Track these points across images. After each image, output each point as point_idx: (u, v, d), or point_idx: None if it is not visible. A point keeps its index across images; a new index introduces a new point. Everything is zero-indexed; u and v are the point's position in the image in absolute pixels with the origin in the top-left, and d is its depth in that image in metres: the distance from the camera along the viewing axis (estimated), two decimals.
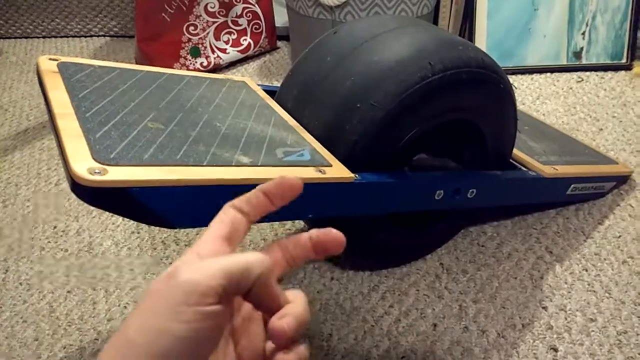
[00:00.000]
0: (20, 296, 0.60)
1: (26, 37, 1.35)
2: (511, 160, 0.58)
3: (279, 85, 0.58)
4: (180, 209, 0.35)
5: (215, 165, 0.36)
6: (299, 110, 0.49)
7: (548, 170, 0.57)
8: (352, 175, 0.42)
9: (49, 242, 0.68)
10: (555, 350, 0.50)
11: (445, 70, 0.45)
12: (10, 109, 1.02)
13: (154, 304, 0.23)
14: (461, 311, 0.54)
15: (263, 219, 0.37)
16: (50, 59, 0.45)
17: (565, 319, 0.52)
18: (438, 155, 0.54)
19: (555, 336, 0.51)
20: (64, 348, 0.54)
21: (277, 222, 0.67)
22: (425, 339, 0.51)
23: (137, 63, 1.07)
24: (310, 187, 0.39)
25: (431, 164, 0.54)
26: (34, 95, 1.07)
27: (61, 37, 1.34)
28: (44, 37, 1.35)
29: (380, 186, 0.44)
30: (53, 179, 0.80)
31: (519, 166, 0.58)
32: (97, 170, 0.31)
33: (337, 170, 0.41)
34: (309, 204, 0.41)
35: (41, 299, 0.60)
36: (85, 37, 1.33)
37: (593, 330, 0.51)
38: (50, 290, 0.61)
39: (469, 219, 0.63)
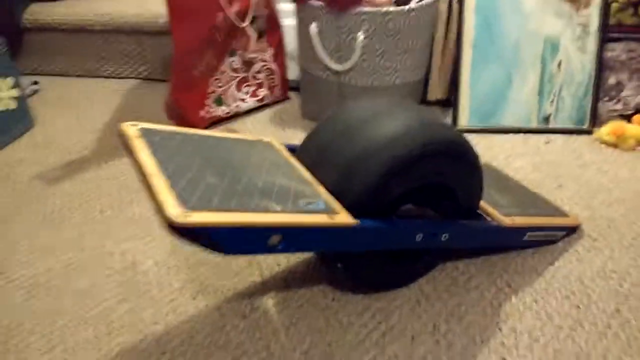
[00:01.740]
0: (79, 304, 0.74)
1: (62, 75, 1.52)
2: (478, 211, 0.74)
3: (296, 142, 0.74)
4: (233, 242, 0.50)
5: (257, 212, 0.51)
6: (314, 168, 0.65)
7: (507, 221, 0.73)
8: (354, 221, 0.57)
9: (98, 261, 0.82)
10: None
11: (425, 146, 0.60)
12: (53, 143, 1.17)
13: None
14: (434, 329, 0.68)
15: (284, 251, 0.52)
16: (132, 125, 0.61)
17: (515, 338, 0.67)
18: (420, 205, 0.70)
19: (506, 351, 0.65)
20: (118, 345, 0.67)
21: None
22: (405, 348, 0.66)
23: (167, 107, 1.23)
24: (323, 229, 0.55)
25: (415, 212, 0.69)
26: (73, 131, 1.22)
27: (95, 77, 1.51)
28: (78, 76, 1.51)
29: (375, 230, 0.60)
30: (98, 207, 0.95)
31: (484, 216, 0.73)
32: (184, 215, 0.46)
33: (343, 217, 0.56)
34: (322, 240, 0.56)
35: (97, 306, 0.73)
36: (117, 78, 1.49)
37: (536, 348, 0.65)
38: (104, 300, 0.74)
39: (444, 257, 0.78)
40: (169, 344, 0.67)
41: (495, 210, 0.74)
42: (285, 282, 0.76)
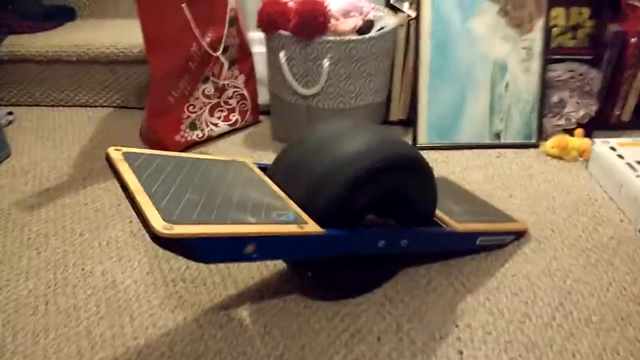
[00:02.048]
0: (61, 322, 0.77)
1: (37, 105, 1.55)
2: (435, 219, 0.81)
3: (267, 162, 0.80)
4: (212, 251, 0.55)
5: (234, 224, 0.57)
6: (285, 184, 0.71)
7: (460, 227, 0.80)
8: (322, 230, 0.63)
9: (80, 281, 0.86)
10: (461, 353, 0.70)
11: (385, 160, 0.68)
12: (31, 170, 1.20)
13: None
14: (398, 328, 0.74)
15: (258, 259, 0.58)
16: (115, 150, 0.66)
17: (470, 333, 0.74)
18: (382, 216, 0.77)
19: (462, 344, 0.72)
20: (102, 359, 0.72)
21: (263, 266, 0.87)
22: (372, 347, 0.71)
23: (142, 133, 1.28)
24: (293, 238, 0.61)
25: (377, 222, 0.76)
26: (50, 158, 1.25)
27: (69, 106, 1.55)
28: (53, 105, 1.55)
29: (341, 237, 0.66)
30: (77, 230, 0.98)
31: (440, 223, 0.81)
32: (167, 228, 0.52)
33: (312, 227, 0.63)
34: (293, 248, 0.62)
35: (79, 324, 0.77)
36: (92, 107, 1.54)
37: (489, 340, 0.72)
38: (86, 318, 0.78)
39: (406, 263, 0.85)
40: (150, 356, 0.71)
41: (450, 218, 0.81)
42: (259, 293, 0.81)
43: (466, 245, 0.83)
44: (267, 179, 0.74)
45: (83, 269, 0.88)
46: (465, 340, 0.72)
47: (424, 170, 0.74)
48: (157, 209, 0.54)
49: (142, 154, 0.68)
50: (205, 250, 0.54)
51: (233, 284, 0.83)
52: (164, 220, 0.53)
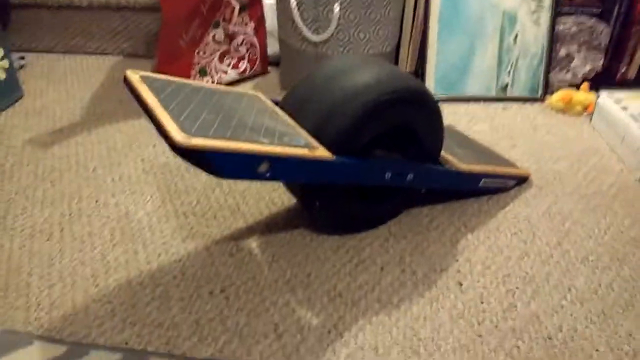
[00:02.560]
0: (76, 247, 0.81)
1: (48, 52, 1.56)
2: (440, 159, 0.83)
3: (279, 98, 0.82)
4: (228, 166, 0.58)
5: (249, 142, 0.60)
6: (297, 114, 0.73)
7: (464, 167, 0.82)
8: (332, 155, 0.66)
9: (93, 211, 0.89)
10: (461, 284, 0.73)
11: (393, 93, 0.69)
12: (43, 112, 1.22)
13: None
14: (400, 261, 0.78)
15: (270, 178, 0.61)
16: (134, 73, 0.68)
17: (470, 267, 0.77)
18: (390, 151, 0.79)
19: (462, 276, 0.75)
20: (115, 281, 0.75)
21: (271, 203, 0.90)
22: (375, 276, 0.75)
23: None
24: (304, 161, 0.63)
25: (384, 155, 0.78)
26: (62, 101, 1.27)
27: (80, 53, 1.56)
28: (64, 52, 1.56)
29: (349, 164, 0.68)
30: (90, 167, 1.01)
31: (445, 163, 0.83)
32: (186, 139, 0.54)
33: (322, 152, 0.65)
34: (303, 171, 0.64)
35: (94, 249, 0.80)
36: (102, 54, 1.54)
37: (487, 274, 0.75)
38: (100, 244, 0.81)
39: (410, 203, 0.88)
40: (162, 279, 0.75)
41: (454, 158, 0.83)
42: (267, 227, 0.84)
43: (469, 186, 0.86)
44: (278, 109, 0.76)
45: (97, 201, 0.91)
46: (464, 272, 0.75)
47: (432, 106, 0.75)
48: (176, 123, 0.56)
49: (159, 78, 0.70)
50: (221, 163, 0.57)
51: (242, 218, 0.86)
52: (183, 132, 0.55)
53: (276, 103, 0.79)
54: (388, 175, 0.73)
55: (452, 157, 0.84)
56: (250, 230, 0.84)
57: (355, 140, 0.69)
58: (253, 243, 0.81)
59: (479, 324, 0.67)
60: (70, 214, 0.88)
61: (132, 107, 1.23)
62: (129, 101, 1.25)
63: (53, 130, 1.14)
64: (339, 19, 1.12)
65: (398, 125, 0.74)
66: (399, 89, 0.70)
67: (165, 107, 0.59)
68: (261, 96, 0.81)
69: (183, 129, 0.55)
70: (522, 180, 0.94)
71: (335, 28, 1.13)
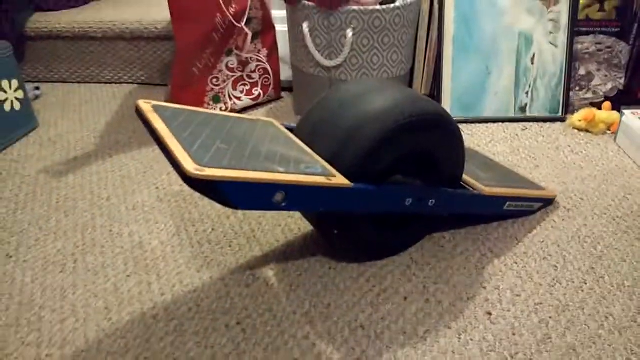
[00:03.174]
0: (89, 279, 0.79)
1: (64, 82, 1.57)
2: (462, 183, 0.80)
3: (294, 124, 0.80)
4: (242, 196, 0.56)
5: (264, 171, 0.57)
6: (311, 141, 0.71)
7: (488, 190, 0.79)
8: (349, 183, 0.63)
9: (107, 242, 0.87)
10: (490, 314, 0.70)
11: (412, 117, 0.67)
12: (58, 141, 1.22)
13: None
14: (424, 290, 0.74)
15: (287, 208, 0.58)
16: (145, 102, 0.67)
17: (499, 294, 0.73)
18: (409, 176, 0.76)
19: (490, 305, 0.71)
20: (129, 314, 0.72)
21: (288, 230, 0.87)
22: (398, 307, 0.71)
23: None
24: (321, 189, 0.61)
25: (403, 181, 0.75)
26: (76, 131, 1.27)
27: (95, 83, 1.57)
28: (79, 82, 1.57)
29: (368, 192, 0.66)
30: (104, 196, 1.00)
31: (467, 187, 0.80)
32: (198, 170, 0.52)
33: (340, 180, 0.63)
34: (321, 200, 0.62)
35: (107, 281, 0.78)
36: (117, 83, 1.55)
37: (517, 302, 0.71)
38: (113, 275, 0.79)
39: (432, 228, 0.84)
40: (177, 312, 0.72)
41: (477, 181, 0.81)
42: (284, 255, 0.82)
43: (494, 210, 0.82)
44: (293, 136, 0.74)
45: (111, 231, 0.89)
46: (493, 301, 0.72)
47: (452, 130, 0.73)
48: (188, 153, 0.54)
49: (171, 107, 0.68)
50: (234, 194, 0.54)
51: (258, 246, 0.84)
52: (196, 163, 0.53)
53: (291, 130, 0.77)
54: (409, 201, 0.70)
55: (474, 181, 0.81)
56: (266, 259, 0.81)
57: (372, 167, 0.67)
58: (270, 272, 0.78)
59: (512, 357, 0.63)
60: (83, 245, 0.86)
61: (146, 135, 1.22)
62: (143, 130, 1.25)
63: (67, 159, 1.14)
64: (352, 44, 1.11)
65: (417, 151, 0.71)
66: (418, 113, 0.68)
67: (177, 136, 0.58)
68: (275, 123, 0.79)
69: (195, 159, 0.53)
70: (548, 203, 0.90)
71: (349, 53, 1.12)
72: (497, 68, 1.21)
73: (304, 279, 0.77)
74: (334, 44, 1.13)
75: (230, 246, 0.84)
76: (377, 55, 1.14)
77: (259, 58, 1.31)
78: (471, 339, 0.66)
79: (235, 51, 1.26)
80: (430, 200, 0.73)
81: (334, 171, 0.64)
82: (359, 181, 0.65)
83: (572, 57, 1.20)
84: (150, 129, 0.62)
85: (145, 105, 0.66)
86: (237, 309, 0.72)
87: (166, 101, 1.29)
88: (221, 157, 0.57)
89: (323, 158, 0.68)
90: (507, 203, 0.83)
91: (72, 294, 0.76)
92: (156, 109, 0.65)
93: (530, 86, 1.21)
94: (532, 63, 1.21)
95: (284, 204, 0.59)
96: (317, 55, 1.15)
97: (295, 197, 0.59)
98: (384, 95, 0.70)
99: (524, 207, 0.86)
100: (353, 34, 1.10)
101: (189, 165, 0.52)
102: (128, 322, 0.71)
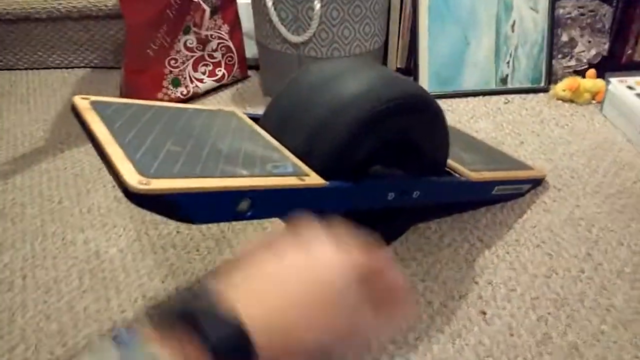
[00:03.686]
0: (40, 298, 0.70)
1: (9, 69, 1.44)
2: (446, 169, 0.73)
3: (259, 112, 0.72)
4: (199, 209, 0.48)
5: (224, 177, 0.49)
6: (279, 133, 0.63)
7: (475, 176, 0.73)
8: (324, 182, 0.55)
9: (60, 251, 0.78)
10: (484, 313, 0.64)
11: (389, 102, 0.59)
12: (4, 136, 1.11)
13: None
14: (412, 289, 0.68)
15: (253, 217, 0.51)
16: (82, 99, 0.57)
17: (492, 290, 0.67)
18: (389, 166, 0.69)
19: (484, 303, 0.65)
20: (85, 337, 0.64)
21: (260, 228, 0.79)
22: None
23: (121, 93, 1.18)
24: (293, 192, 0.53)
25: (383, 172, 0.68)
26: (24, 124, 1.16)
27: (43, 68, 1.43)
28: (26, 69, 1.44)
29: (346, 189, 0.58)
30: (55, 198, 0.90)
31: (453, 173, 0.73)
32: (143, 182, 0.44)
33: (313, 179, 0.55)
34: (292, 203, 0.54)
35: (60, 299, 0.70)
36: (67, 68, 1.43)
37: (513, 298, 0.66)
38: (67, 292, 0.71)
39: (416, 218, 0.78)
40: None
41: (462, 166, 0.74)
42: None
43: (482, 196, 0.76)
44: (259, 129, 0.66)
45: (63, 239, 0.80)
46: (487, 298, 0.66)
47: (435, 112, 0.66)
48: (131, 162, 0.46)
49: (113, 102, 0.59)
50: (191, 208, 0.46)
51: (228, 249, 0.76)
52: (140, 174, 0.45)
53: (256, 120, 0.69)
54: (391, 195, 0.63)
55: (459, 165, 0.74)
56: None
57: (349, 159, 0.59)
58: None
59: None
60: (33, 257, 0.77)
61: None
62: None
63: (14, 157, 1.03)
64: (321, 16, 1.02)
65: (397, 138, 0.64)
66: (397, 96, 0.60)
67: (119, 140, 0.49)
68: (238, 112, 0.70)
69: (140, 168, 0.45)
70: (537, 183, 0.85)
71: (317, 27, 1.03)
72: (476, 37, 1.14)
73: None
74: (300, 17, 1.03)
75: (197, 250, 0.76)
76: (348, 28, 1.05)
77: (220, 35, 1.20)
78: (466, 344, 0.60)
79: (194, 28, 1.15)
80: (415, 192, 0.66)
81: (306, 169, 0.57)
82: (335, 176, 0.58)
83: (554, 23, 1.13)
84: (87, 132, 0.53)
85: (82, 102, 0.56)
86: None
87: (120, 87, 1.18)
88: (172, 162, 0.49)
89: (293, 153, 0.60)
90: (496, 187, 0.77)
91: (22, 316, 0.67)
92: (95, 106, 0.56)
93: (511, 55, 1.14)
94: (513, 30, 1.13)
95: (249, 213, 0.51)
96: (283, 30, 1.05)
97: (262, 203, 0.51)
98: (357, 78, 0.62)
99: (513, 190, 0.80)
100: (321, 6, 1.01)
101: (132, 178, 0.44)
102: (85, 347, 0.63)
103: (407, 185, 0.65)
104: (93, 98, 0.58)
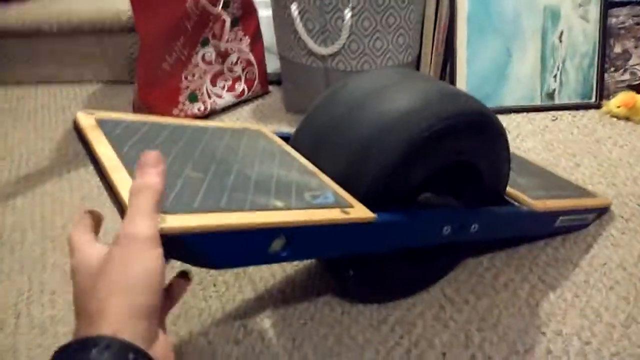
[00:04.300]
0: (34, 341, 0.61)
1: (16, 84, 1.37)
2: (505, 197, 0.63)
3: (291, 131, 0.62)
4: (224, 251, 0.38)
5: (254, 210, 0.40)
6: (315, 155, 0.54)
7: (539, 205, 0.62)
8: (373, 215, 0.46)
9: (59, 286, 0.69)
10: None
11: (447, 119, 0.50)
12: (7, 156, 1.03)
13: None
14: (467, 340, 0.57)
15: (288, 258, 0.42)
16: (87, 114, 0.49)
17: (563, 342, 0.56)
18: (441, 193, 0.59)
19: (555, 359, 0.55)
20: None
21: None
22: None
23: (134, 109, 1.10)
24: (337, 227, 0.43)
25: (435, 202, 0.58)
26: (29, 142, 1.08)
27: (53, 83, 1.37)
28: (36, 83, 1.37)
29: (398, 224, 0.48)
30: (58, 223, 0.82)
31: (513, 202, 0.63)
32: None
33: (359, 211, 0.45)
34: (335, 241, 0.44)
35: (56, 342, 0.61)
36: (78, 83, 1.36)
37: (589, 353, 0.55)
38: (64, 334, 0.62)
39: (467, 252, 0.68)
40: None
41: (523, 194, 0.64)
42: (283, 296, 0.65)
43: (545, 228, 0.66)
44: (291, 149, 0.56)
45: (65, 270, 0.72)
46: (558, 353, 0.55)
47: (498, 132, 0.56)
48: None
49: (123, 120, 0.50)
50: (215, 250, 0.37)
51: (250, 284, 0.66)
52: None
53: (286, 139, 0.60)
54: (447, 230, 0.53)
55: (519, 193, 0.64)
56: (261, 302, 0.64)
57: (399, 186, 0.50)
58: (266, 321, 0.61)
59: None
60: (29, 291, 0.69)
61: None
62: None
63: (17, 178, 0.95)
64: (351, 27, 0.93)
65: (454, 161, 0.54)
66: (457, 114, 0.50)
67: (127, 165, 0.40)
68: (266, 131, 0.61)
69: None
70: (602, 212, 0.74)
71: (347, 38, 0.94)
72: (520, 50, 1.04)
73: (311, 330, 0.60)
74: (329, 28, 0.95)
75: (215, 285, 0.67)
76: (381, 39, 0.96)
77: (241, 48, 1.12)
78: None
79: (212, 41, 1.07)
80: (473, 225, 0.56)
81: (350, 199, 0.47)
82: (382, 207, 0.48)
83: (605, 33, 1.03)
84: (90, 154, 0.44)
85: (86, 119, 0.47)
86: None
87: (133, 103, 1.10)
88: (192, 193, 0.39)
89: (332, 178, 0.51)
90: (560, 218, 0.66)
91: (20, 358, 0.58)
92: (101, 123, 0.47)
93: (558, 69, 1.04)
94: (560, 41, 1.04)
95: (284, 254, 0.41)
96: (310, 42, 0.97)
97: (300, 242, 0.42)
98: (409, 91, 0.52)
99: (577, 221, 0.70)
100: (352, 15, 0.92)
101: None
102: None
103: (465, 218, 0.55)
104: (100, 114, 0.50)
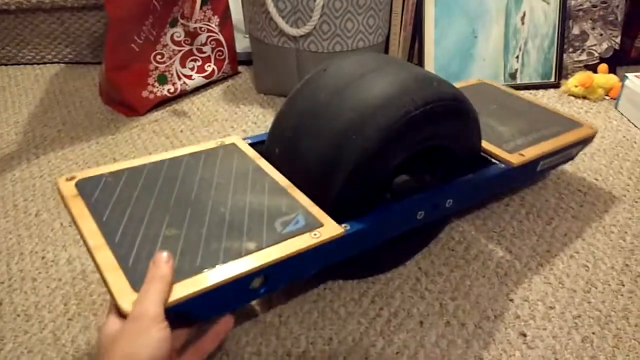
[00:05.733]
0: (20, 327, 0.61)
1: None
2: (482, 153, 0.65)
3: (263, 134, 0.64)
4: (208, 306, 0.43)
5: (229, 260, 0.44)
6: (297, 139, 0.55)
7: (516, 159, 0.64)
8: (342, 229, 0.49)
9: (40, 272, 0.69)
10: (524, 335, 0.58)
11: (425, 105, 0.52)
12: None
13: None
14: (442, 308, 0.61)
15: (266, 292, 0.46)
16: (67, 181, 0.52)
17: (529, 308, 0.61)
18: (415, 172, 0.62)
19: (522, 323, 0.59)
20: None
21: None
22: (415, 335, 0.58)
23: (102, 90, 1.08)
24: (310, 251, 0.47)
25: (410, 183, 0.61)
26: None
27: (12, 64, 1.32)
28: None
29: (369, 227, 0.52)
30: (32, 210, 0.81)
31: (488, 157, 0.65)
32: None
33: (329, 229, 0.48)
34: (311, 262, 0.48)
35: (43, 329, 0.61)
36: (39, 64, 1.31)
37: (553, 316, 0.60)
38: (51, 320, 0.62)
39: (441, 228, 0.71)
40: None
41: (500, 147, 0.66)
42: None
43: (526, 177, 0.68)
44: (263, 162, 0.58)
45: (43, 257, 0.71)
46: (525, 317, 0.60)
47: (473, 117, 0.59)
48: (124, 273, 0.42)
49: (102, 175, 0.54)
50: (199, 308, 0.42)
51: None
52: (134, 288, 0.41)
53: (262, 142, 0.62)
54: (421, 214, 0.57)
55: (495, 148, 0.66)
56: None
57: (379, 170, 0.52)
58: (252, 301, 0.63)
59: None
60: (10, 279, 0.68)
61: (80, 127, 1.02)
62: (75, 120, 1.04)
63: None
64: (323, 7, 0.94)
65: (431, 144, 0.57)
66: (432, 100, 0.53)
67: (109, 238, 0.45)
68: (238, 144, 0.63)
69: (134, 279, 0.41)
70: (586, 142, 0.75)
71: (319, 19, 0.95)
72: (485, 30, 1.08)
73: (295, 305, 0.62)
74: (300, 9, 0.96)
75: None
76: (352, 20, 0.97)
77: (210, 28, 1.11)
78: None
79: (182, 20, 1.06)
80: (448, 201, 0.59)
81: (320, 215, 0.50)
82: (360, 194, 0.51)
83: (565, 15, 1.08)
84: (75, 224, 0.49)
85: (67, 188, 0.51)
86: (213, 355, 0.57)
87: (100, 84, 1.08)
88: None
89: (312, 166, 0.53)
90: (541, 162, 0.68)
91: None
92: (81, 189, 0.51)
93: (520, 49, 1.09)
94: (523, 23, 1.08)
95: (262, 290, 0.46)
96: (281, 23, 0.97)
97: (277, 276, 0.46)
98: (387, 78, 0.54)
99: (561, 159, 0.72)
100: None
101: (126, 300, 0.40)
102: None
103: (438, 197, 0.58)
104: (79, 177, 0.53)
